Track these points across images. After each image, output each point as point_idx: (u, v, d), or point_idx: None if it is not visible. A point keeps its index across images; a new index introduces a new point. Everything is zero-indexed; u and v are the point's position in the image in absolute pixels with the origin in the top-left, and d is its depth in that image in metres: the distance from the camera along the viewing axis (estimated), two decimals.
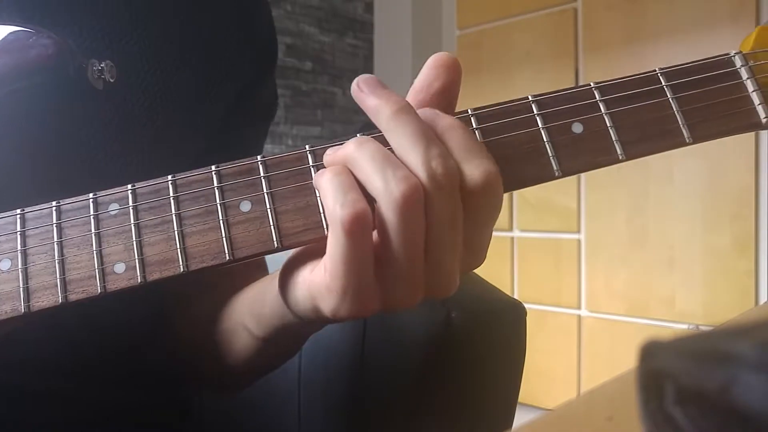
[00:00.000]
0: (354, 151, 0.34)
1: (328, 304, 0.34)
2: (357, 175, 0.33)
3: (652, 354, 0.16)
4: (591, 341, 2.19)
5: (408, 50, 2.97)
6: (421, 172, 0.32)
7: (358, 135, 0.36)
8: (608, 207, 2.10)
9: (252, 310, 0.45)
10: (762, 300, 1.85)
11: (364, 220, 0.32)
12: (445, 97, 0.37)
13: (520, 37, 2.35)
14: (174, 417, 0.59)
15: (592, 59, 2.17)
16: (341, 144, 0.36)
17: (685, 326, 1.97)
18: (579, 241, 2.21)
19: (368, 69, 3.09)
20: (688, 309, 1.97)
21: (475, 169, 0.33)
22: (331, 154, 0.35)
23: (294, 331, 0.42)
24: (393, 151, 0.34)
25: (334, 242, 0.32)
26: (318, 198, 0.35)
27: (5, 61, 0.41)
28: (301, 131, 2.82)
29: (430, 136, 0.33)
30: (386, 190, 0.32)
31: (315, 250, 0.36)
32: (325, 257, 0.34)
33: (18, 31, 0.42)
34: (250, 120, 0.61)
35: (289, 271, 0.37)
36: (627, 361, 1.98)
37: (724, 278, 1.90)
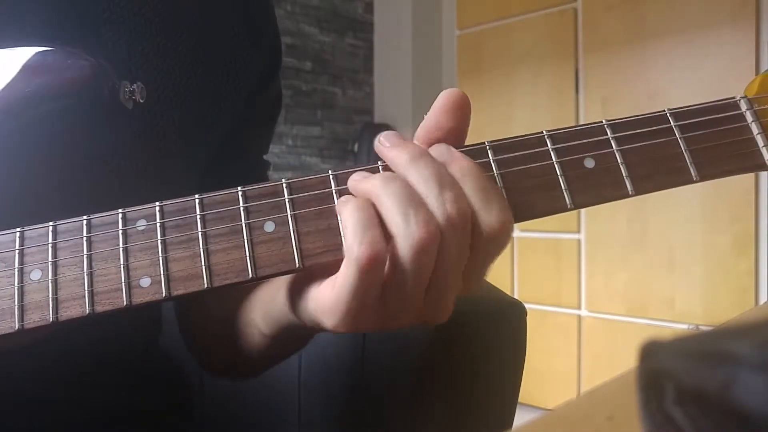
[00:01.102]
0: (380, 188, 0.35)
1: (329, 320, 0.36)
2: (380, 210, 0.35)
3: (652, 354, 0.16)
4: (591, 341, 2.19)
5: (408, 50, 2.97)
6: (437, 214, 0.34)
7: (379, 165, 0.38)
8: (608, 207, 2.09)
9: (262, 310, 0.46)
10: (762, 300, 1.85)
11: (380, 259, 0.33)
12: (456, 136, 0.38)
13: (520, 37, 2.35)
14: (175, 418, 0.59)
15: (592, 59, 2.17)
16: (361, 170, 0.37)
17: (685, 326, 1.97)
18: (579, 241, 2.21)
19: (368, 69, 3.09)
20: (688, 309, 1.97)
21: (492, 217, 0.34)
22: (358, 181, 0.36)
23: (300, 333, 0.44)
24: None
25: (347, 273, 0.34)
26: (339, 221, 0.37)
27: (42, 81, 0.42)
28: (301, 131, 2.83)
29: (444, 180, 0.35)
30: (406, 232, 0.33)
31: (324, 267, 0.38)
32: (336, 281, 0.35)
33: (55, 51, 0.42)
34: (258, 121, 0.62)
35: (297, 283, 0.39)
36: (627, 361, 1.98)
37: (724, 278, 1.90)
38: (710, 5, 1.92)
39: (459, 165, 0.36)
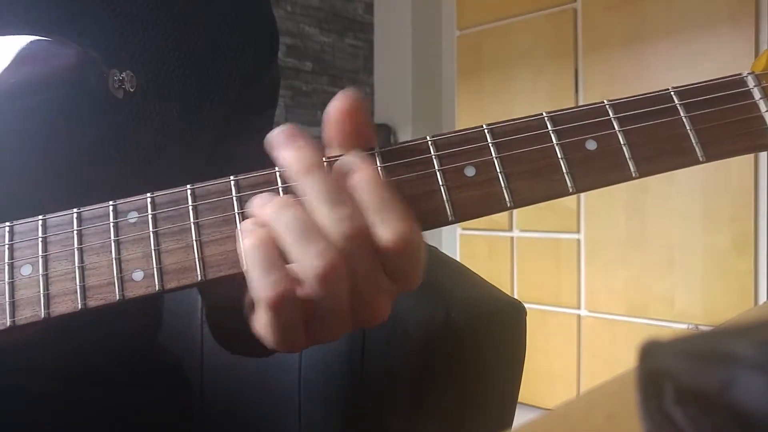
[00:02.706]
0: (272, 218, 0.33)
1: (266, 342, 0.36)
2: (278, 244, 0.33)
3: (652, 354, 0.16)
4: (591, 341, 2.19)
5: (408, 50, 2.96)
6: (334, 234, 0.32)
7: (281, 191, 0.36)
8: (608, 207, 2.10)
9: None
10: (761, 300, 1.85)
11: (287, 297, 0.32)
12: (359, 139, 0.36)
13: (520, 37, 2.36)
14: (175, 417, 0.59)
15: (591, 59, 2.17)
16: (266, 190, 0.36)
17: (684, 326, 1.97)
18: (578, 241, 2.21)
19: (368, 69, 3.09)
20: (687, 309, 1.97)
21: (385, 231, 0.33)
22: (256, 207, 0.35)
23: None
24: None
25: (261, 311, 0.34)
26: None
27: (28, 71, 0.41)
28: None
29: (337, 196, 0.33)
30: (304, 266, 0.32)
31: None
32: (257, 316, 0.35)
33: (41, 40, 0.42)
34: (256, 108, 0.62)
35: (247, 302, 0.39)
36: (626, 361, 1.98)
37: (723, 278, 1.90)
38: (709, 6, 1.92)
39: (357, 176, 0.34)
